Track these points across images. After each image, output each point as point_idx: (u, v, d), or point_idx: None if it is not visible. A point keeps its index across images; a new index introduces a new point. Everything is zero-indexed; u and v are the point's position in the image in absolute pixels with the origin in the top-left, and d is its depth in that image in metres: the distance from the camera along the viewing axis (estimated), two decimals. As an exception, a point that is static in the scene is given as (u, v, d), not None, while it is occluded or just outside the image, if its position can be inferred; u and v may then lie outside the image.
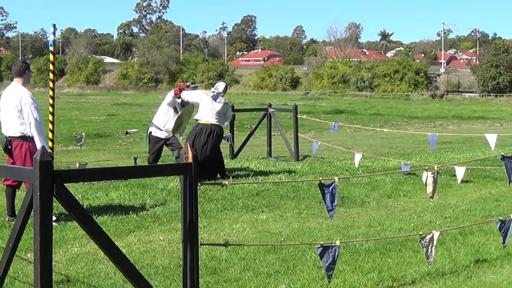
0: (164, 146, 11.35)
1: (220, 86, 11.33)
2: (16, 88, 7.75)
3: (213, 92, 11.10)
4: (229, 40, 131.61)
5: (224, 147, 15.60)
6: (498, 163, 8.43)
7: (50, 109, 7.81)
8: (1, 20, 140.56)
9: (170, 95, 11.27)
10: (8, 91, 7.87)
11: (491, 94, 62.56)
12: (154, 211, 8.37)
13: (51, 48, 7.59)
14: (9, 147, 7.72)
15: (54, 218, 7.38)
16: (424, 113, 38.67)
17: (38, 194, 3.58)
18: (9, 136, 7.72)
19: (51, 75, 7.76)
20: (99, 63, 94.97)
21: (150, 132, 11.23)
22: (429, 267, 5.70)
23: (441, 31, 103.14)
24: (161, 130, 11.17)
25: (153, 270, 5.82)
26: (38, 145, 7.48)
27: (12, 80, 7.97)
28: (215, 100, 11.03)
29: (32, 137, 7.61)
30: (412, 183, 10.49)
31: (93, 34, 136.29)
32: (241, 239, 7.00)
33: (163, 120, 11.16)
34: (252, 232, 7.32)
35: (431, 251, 5.56)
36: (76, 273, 5.75)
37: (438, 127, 28.13)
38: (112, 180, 10.11)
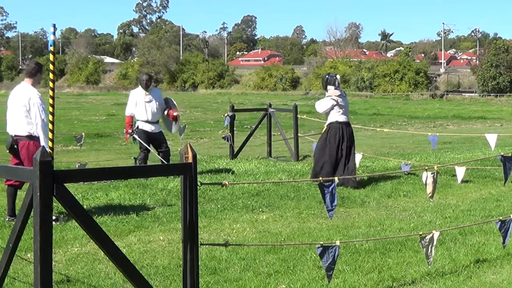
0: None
1: None
2: (26, 88, 7.87)
3: None
4: (229, 40, 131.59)
5: (224, 147, 15.61)
6: (498, 163, 8.43)
7: (50, 109, 7.82)
8: (1, 20, 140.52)
9: (137, 96, 11.23)
10: (17, 90, 7.97)
11: (491, 94, 62.55)
12: (154, 211, 8.37)
13: (51, 48, 7.59)
14: (15, 146, 7.77)
15: (54, 217, 7.41)
16: (424, 113, 38.65)
17: (38, 194, 3.58)
18: (16, 135, 7.80)
19: (51, 75, 7.76)
20: (99, 63, 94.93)
21: (137, 127, 11.24)
22: (429, 267, 5.70)
23: (441, 31, 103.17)
24: (148, 122, 11.18)
25: (153, 270, 5.82)
26: (43, 145, 7.53)
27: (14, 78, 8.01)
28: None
29: (38, 137, 7.71)
30: (412, 183, 10.48)
31: (93, 34, 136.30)
32: (241, 239, 7.00)
33: (146, 113, 11.17)
34: (252, 232, 7.32)
35: (431, 251, 5.56)
36: (76, 273, 5.75)
37: (438, 127, 28.12)
38: (112, 180, 10.12)
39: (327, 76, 10.89)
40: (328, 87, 10.72)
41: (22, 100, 7.76)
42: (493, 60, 63.65)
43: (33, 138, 7.78)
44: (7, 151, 7.97)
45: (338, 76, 10.92)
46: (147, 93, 11.22)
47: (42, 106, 7.75)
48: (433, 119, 33.82)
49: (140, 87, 11.31)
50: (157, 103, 11.30)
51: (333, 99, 10.53)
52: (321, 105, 10.64)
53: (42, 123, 7.69)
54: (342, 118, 10.58)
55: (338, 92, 10.66)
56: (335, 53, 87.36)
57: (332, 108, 10.51)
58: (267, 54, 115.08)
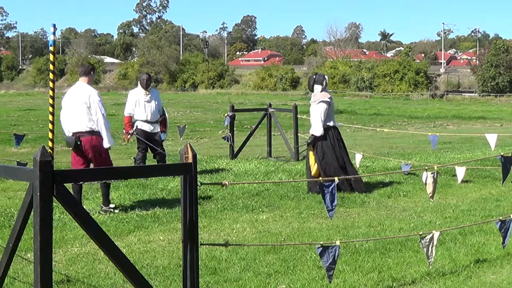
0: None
1: None
2: (83, 87, 8.34)
3: None
4: (229, 40, 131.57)
5: (224, 147, 15.61)
6: (498, 163, 8.42)
7: (50, 109, 7.84)
8: (1, 20, 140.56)
9: (137, 96, 11.20)
10: (75, 89, 8.43)
11: (491, 94, 62.57)
12: (154, 211, 8.37)
13: (51, 48, 7.61)
14: (79, 142, 8.21)
15: (112, 205, 8.37)
16: (424, 113, 38.66)
17: (38, 194, 3.57)
18: (78, 132, 8.23)
19: (51, 75, 7.79)
20: (99, 63, 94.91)
21: (136, 126, 11.23)
22: (430, 267, 5.69)
23: (441, 31, 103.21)
24: (147, 122, 11.16)
25: (153, 270, 5.82)
26: (105, 138, 8.22)
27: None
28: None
29: (98, 131, 8.23)
30: (412, 183, 10.48)
31: (93, 34, 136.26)
32: (241, 239, 7.00)
33: (145, 113, 11.16)
34: (252, 232, 7.32)
35: (432, 251, 5.56)
36: (76, 273, 5.75)
37: (438, 127, 28.13)
38: (112, 180, 10.10)
39: (314, 76, 10.15)
40: (315, 86, 9.91)
41: (82, 98, 8.20)
42: (493, 60, 63.69)
43: (94, 133, 8.23)
44: (70, 148, 8.37)
45: (327, 77, 10.17)
46: (147, 93, 11.20)
47: (101, 102, 8.28)
48: (433, 119, 33.83)
49: (139, 86, 11.30)
50: (156, 102, 11.29)
51: (326, 102, 9.74)
52: (316, 114, 9.69)
53: (102, 117, 8.19)
54: (332, 123, 9.90)
55: (327, 95, 9.86)
56: (335, 53, 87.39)
57: (326, 112, 9.72)
58: (267, 54, 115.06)
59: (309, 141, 9.89)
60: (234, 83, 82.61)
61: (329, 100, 9.80)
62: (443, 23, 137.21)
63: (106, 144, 8.28)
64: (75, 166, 8.34)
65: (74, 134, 8.22)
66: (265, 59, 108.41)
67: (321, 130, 9.73)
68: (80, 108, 8.16)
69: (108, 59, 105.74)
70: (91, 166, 8.30)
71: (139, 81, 11.42)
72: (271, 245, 6.59)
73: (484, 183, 10.64)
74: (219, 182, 5.21)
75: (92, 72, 8.48)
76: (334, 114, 10.06)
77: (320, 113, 9.73)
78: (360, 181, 9.86)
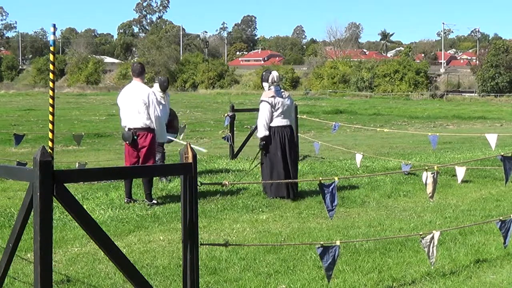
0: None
1: None
2: (141, 86, 8.95)
3: None
4: (229, 40, 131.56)
5: (224, 147, 15.61)
6: (498, 163, 8.43)
7: (50, 109, 7.83)
8: (1, 20, 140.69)
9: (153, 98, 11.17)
10: (131, 88, 8.99)
11: (491, 94, 62.57)
12: (154, 211, 8.37)
13: (51, 48, 7.61)
14: (135, 137, 8.81)
15: (154, 201, 8.74)
16: (424, 113, 38.68)
17: (38, 194, 3.57)
18: (135, 128, 8.82)
19: (51, 75, 7.78)
20: (99, 63, 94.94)
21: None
22: (432, 267, 5.69)
23: (441, 31, 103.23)
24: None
25: (153, 270, 5.82)
26: (162, 134, 9.12)
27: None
28: None
29: (153, 129, 8.88)
30: (412, 183, 10.48)
31: (93, 34, 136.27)
32: (241, 239, 7.00)
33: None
34: (252, 232, 7.32)
35: (432, 251, 5.56)
36: (76, 273, 5.75)
37: (438, 127, 28.14)
38: (112, 180, 10.11)
39: (263, 73, 9.75)
40: (263, 84, 9.59)
41: (141, 97, 8.80)
42: (493, 60, 63.69)
43: (150, 130, 8.86)
44: (126, 142, 8.84)
45: (274, 73, 9.60)
46: (163, 95, 11.13)
47: (157, 101, 9.00)
48: (433, 119, 33.84)
49: (156, 87, 11.08)
50: (168, 106, 11.30)
51: (266, 101, 9.39)
52: (259, 118, 9.44)
53: (159, 116, 8.89)
54: (279, 122, 9.45)
55: (271, 93, 9.43)
56: (335, 53, 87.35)
57: (269, 112, 9.38)
58: (267, 54, 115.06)
59: (260, 146, 9.56)
60: (234, 83, 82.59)
61: (271, 99, 9.37)
62: (443, 23, 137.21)
63: (162, 139, 9.29)
64: (129, 159, 8.91)
65: (131, 129, 8.81)
66: (265, 59, 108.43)
67: (265, 131, 9.39)
68: (138, 106, 8.78)
69: (108, 59, 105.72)
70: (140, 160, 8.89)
71: (158, 83, 11.20)
72: (271, 245, 6.58)
73: (484, 183, 10.63)
74: (219, 182, 5.21)
75: (144, 72, 9.24)
76: (286, 113, 9.57)
77: (261, 113, 9.44)
78: (295, 188, 9.41)
